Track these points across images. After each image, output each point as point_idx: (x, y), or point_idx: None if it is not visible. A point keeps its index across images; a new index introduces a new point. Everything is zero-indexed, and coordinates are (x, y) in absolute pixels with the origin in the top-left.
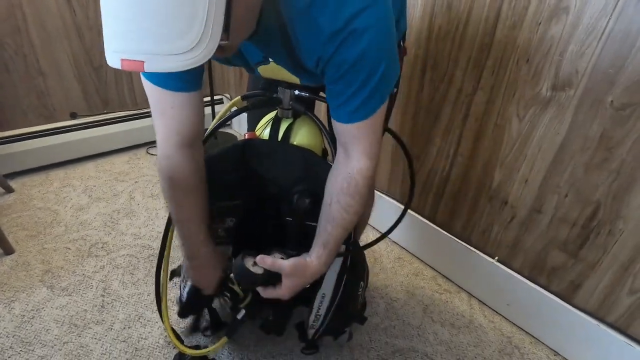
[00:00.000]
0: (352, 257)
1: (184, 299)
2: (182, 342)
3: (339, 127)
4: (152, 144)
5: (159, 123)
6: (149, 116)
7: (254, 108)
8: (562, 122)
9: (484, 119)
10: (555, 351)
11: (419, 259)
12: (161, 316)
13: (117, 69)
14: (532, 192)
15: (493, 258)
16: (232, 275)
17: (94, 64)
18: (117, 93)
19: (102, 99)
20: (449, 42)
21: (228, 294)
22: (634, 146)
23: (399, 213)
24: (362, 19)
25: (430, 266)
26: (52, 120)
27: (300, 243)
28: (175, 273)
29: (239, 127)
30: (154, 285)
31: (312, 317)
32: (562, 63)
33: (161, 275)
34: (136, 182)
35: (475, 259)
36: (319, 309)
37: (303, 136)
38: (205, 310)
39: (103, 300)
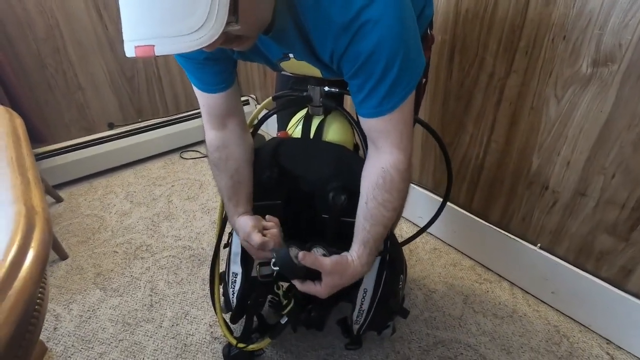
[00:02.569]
0: (391, 251)
1: (234, 304)
2: (232, 334)
3: (365, 123)
4: (184, 148)
5: (201, 108)
6: (180, 122)
7: (285, 108)
8: (605, 100)
9: (518, 102)
10: (607, 339)
11: (455, 249)
12: (215, 308)
13: (149, 78)
14: (575, 174)
15: (535, 245)
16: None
17: (127, 74)
18: (150, 101)
19: (135, 108)
20: (477, 25)
21: (275, 298)
22: None
23: (432, 204)
24: (375, 9)
25: (468, 256)
26: (92, 132)
27: (338, 240)
28: (221, 278)
29: (267, 127)
30: (196, 284)
31: (355, 313)
32: (603, 37)
33: (215, 269)
34: (172, 186)
35: (515, 246)
36: (362, 304)
37: (335, 132)
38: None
39: (151, 300)
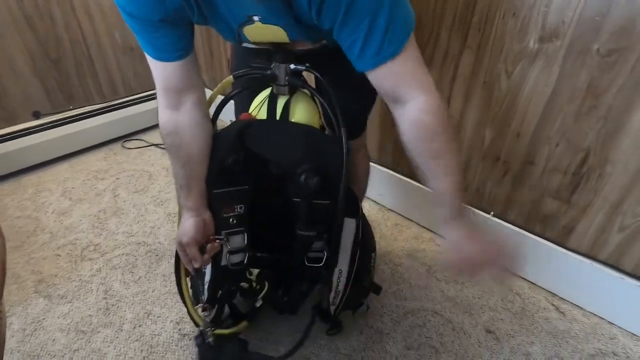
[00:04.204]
0: (362, 229)
1: (205, 296)
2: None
3: (373, 78)
4: (127, 137)
5: (156, 82)
6: (120, 108)
7: (247, 89)
8: (550, 74)
9: (472, 78)
10: (552, 293)
11: (416, 222)
12: (183, 298)
13: (78, 60)
14: (524, 145)
15: (489, 214)
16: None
17: (52, 56)
18: (81, 86)
19: (65, 94)
20: (432, 1)
21: (246, 285)
22: (620, 91)
23: (393, 182)
24: None
25: (427, 229)
26: (14, 122)
27: (311, 222)
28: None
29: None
30: (157, 282)
31: (332, 295)
32: (549, 14)
33: (180, 262)
34: (117, 178)
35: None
36: (338, 285)
37: (302, 112)
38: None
39: (107, 303)
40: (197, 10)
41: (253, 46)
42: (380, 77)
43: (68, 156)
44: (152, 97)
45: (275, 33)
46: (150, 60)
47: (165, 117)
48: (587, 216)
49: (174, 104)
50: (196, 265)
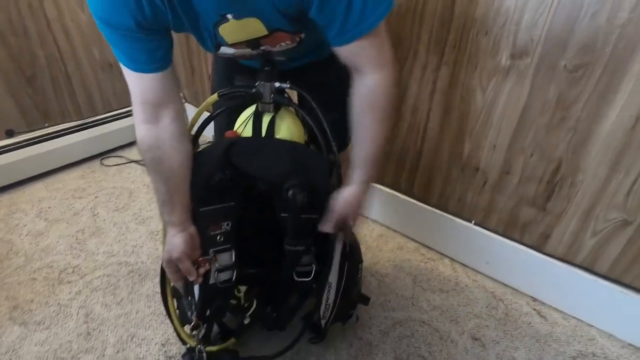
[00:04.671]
0: (350, 241)
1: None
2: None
3: (343, 52)
4: (105, 154)
5: (133, 96)
6: (98, 125)
7: (235, 107)
8: (522, 88)
9: (450, 93)
10: (533, 297)
11: (400, 233)
12: (170, 317)
13: (55, 77)
14: (500, 156)
15: (470, 222)
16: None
17: (26, 73)
18: (58, 103)
19: (40, 111)
20: (409, 19)
21: (234, 302)
22: (587, 104)
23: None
24: None
25: (412, 239)
26: None
27: (298, 237)
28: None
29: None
30: (140, 302)
31: (322, 308)
32: (518, 33)
33: (166, 280)
34: (96, 197)
35: (453, 225)
36: (328, 299)
37: (287, 129)
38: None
39: (88, 327)
40: (174, 13)
41: (230, 51)
42: (352, 51)
43: (43, 175)
44: (130, 114)
45: (251, 27)
46: (127, 73)
47: (143, 131)
48: (562, 222)
49: (152, 118)
50: (192, 279)
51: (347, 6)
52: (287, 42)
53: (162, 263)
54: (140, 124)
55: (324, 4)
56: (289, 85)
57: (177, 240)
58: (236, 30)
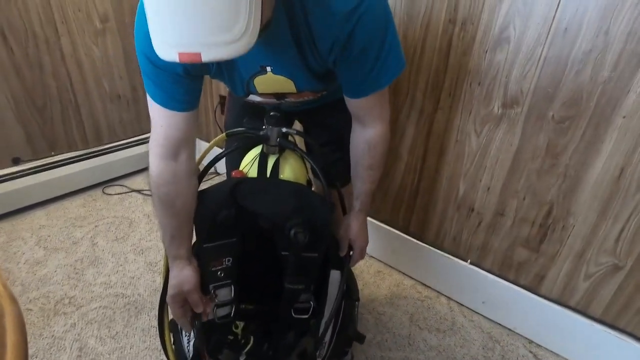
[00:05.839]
0: (347, 279)
1: (190, 353)
2: None
3: (355, 103)
4: (107, 183)
5: (155, 131)
6: (101, 154)
7: (243, 148)
8: (514, 135)
9: (445, 136)
10: (529, 339)
11: (397, 270)
12: (166, 353)
13: (65, 107)
14: (494, 198)
15: (466, 261)
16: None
17: (37, 103)
18: (65, 132)
19: (48, 140)
20: (407, 66)
21: (231, 337)
22: (575, 152)
23: (374, 228)
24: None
25: (408, 276)
26: None
27: (298, 274)
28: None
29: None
30: (135, 337)
31: (319, 346)
32: (509, 85)
33: (164, 315)
34: (96, 226)
35: (449, 263)
36: (324, 336)
37: (290, 170)
38: None
39: None
40: (218, 64)
41: (258, 99)
42: (361, 104)
43: (45, 202)
44: (135, 144)
45: (283, 84)
46: (156, 109)
47: (161, 166)
48: (556, 264)
49: (172, 154)
50: (199, 311)
51: (371, 68)
52: (310, 97)
53: (167, 299)
54: (158, 159)
55: (353, 62)
56: (295, 131)
57: (188, 272)
58: (269, 83)
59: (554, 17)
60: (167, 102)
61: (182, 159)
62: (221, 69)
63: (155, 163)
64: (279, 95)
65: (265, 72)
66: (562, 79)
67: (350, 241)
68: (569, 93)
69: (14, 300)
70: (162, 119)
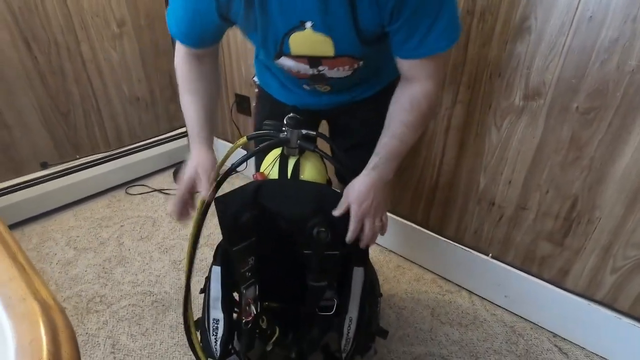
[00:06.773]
0: (370, 275)
1: (217, 352)
2: None
3: (407, 62)
4: (130, 183)
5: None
6: (123, 156)
7: (264, 150)
8: (536, 128)
9: (465, 129)
10: (554, 333)
11: (417, 264)
12: (194, 351)
13: (87, 112)
14: (516, 191)
15: (487, 255)
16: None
17: (62, 109)
18: (88, 136)
19: (72, 144)
20: None
21: (257, 331)
22: (600, 144)
23: (392, 223)
24: None
25: (429, 270)
26: (22, 173)
27: (322, 273)
28: (197, 326)
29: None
30: (164, 333)
31: (343, 342)
32: (531, 76)
33: (188, 313)
34: (122, 226)
35: (470, 257)
36: (349, 332)
37: (311, 171)
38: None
39: (114, 358)
40: (248, 10)
41: (290, 62)
42: (414, 65)
43: (72, 204)
44: (154, 144)
45: (321, 44)
46: (185, 9)
47: (186, 67)
48: (581, 258)
49: (196, 60)
50: (204, 193)
51: (431, 23)
52: (346, 67)
53: (177, 182)
54: (184, 56)
55: (411, 17)
56: (315, 133)
57: (206, 154)
58: (306, 43)
59: (577, 4)
60: (185, 39)
61: (207, 60)
62: (256, 18)
63: (182, 65)
64: (313, 61)
65: (304, 28)
66: (586, 69)
67: (349, 205)
68: (595, 83)
69: (64, 313)
70: (187, 17)
